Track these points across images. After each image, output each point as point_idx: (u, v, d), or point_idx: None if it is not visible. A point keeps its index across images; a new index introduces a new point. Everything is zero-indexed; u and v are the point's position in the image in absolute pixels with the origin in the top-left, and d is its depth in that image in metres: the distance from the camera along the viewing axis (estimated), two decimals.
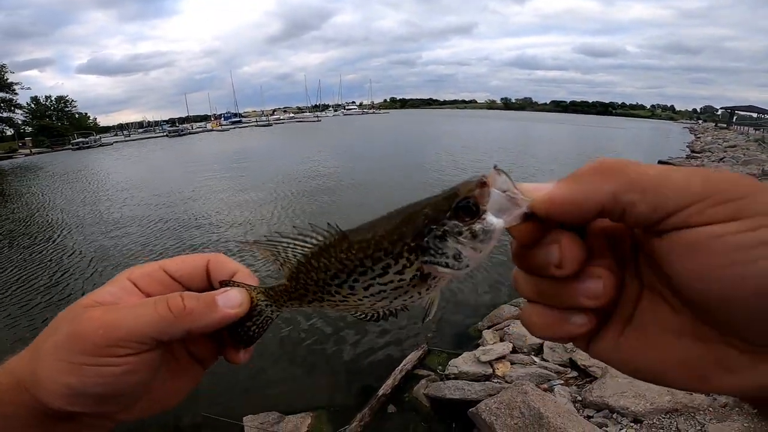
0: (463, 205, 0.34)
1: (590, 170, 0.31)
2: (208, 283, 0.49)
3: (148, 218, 11.57)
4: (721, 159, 18.80)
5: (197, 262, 0.49)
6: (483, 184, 0.33)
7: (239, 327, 0.46)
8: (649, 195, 0.28)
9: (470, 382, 3.77)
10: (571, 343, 0.36)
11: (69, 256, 8.90)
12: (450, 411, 3.66)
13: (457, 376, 3.97)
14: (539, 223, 0.33)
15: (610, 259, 0.34)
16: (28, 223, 12.57)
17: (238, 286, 0.46)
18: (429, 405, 3.78)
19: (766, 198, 0.26)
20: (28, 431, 0.41)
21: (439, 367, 4.27)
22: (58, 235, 10.68)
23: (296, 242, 0.41)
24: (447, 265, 0.35)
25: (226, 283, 0.47)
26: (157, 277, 0.47)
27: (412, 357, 4.36)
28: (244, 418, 3.69)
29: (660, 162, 19.01)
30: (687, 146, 29.78)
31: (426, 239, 0.35)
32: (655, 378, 0.32)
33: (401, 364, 4.26)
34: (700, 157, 20.96)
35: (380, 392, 3.86)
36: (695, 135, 43.52)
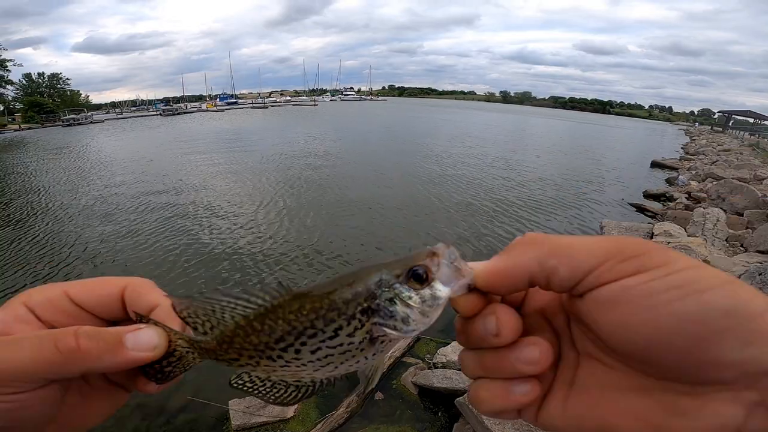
0: (414, 272, 0.35)
1: (518, 243, 0.34)
2: (125, 314, 0.42)
3: (134, 202, 11.33)
4: (713, 162, 18.91)
5: (111, 288, 0.42)
6: (433, 254, 0.35)
7: (152, 366, 0.40)
8: (565, 259, 0.31)
9: (458, 371, 3.78)
10: (518, 417, 0.37)
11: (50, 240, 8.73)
12: (437, 399, 3.68)
13: (445, 365, 3.98)
14: (482, 296, 0.35)
15: (547, 332, 0.37)
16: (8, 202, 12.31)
17: (156, 324, 0.39)
18: (416, 393, 3.80)
19: (660, 253, 0.30)
20: None
21: (428, 356, 4.27)
22: (36, 215, 10.46)
23: (238, 302, 0.37)
24: (395, 328, 0.35)
25: (141, 318, 0.39)
26: (61, 305, 0.40)
27: (401, 344, 4.36)
28: (230, 401, 3.67)
29: (653, 163, 19.21)
30: (681, 148, 29.99)
31: (378, 301, 0.35)
32: None
33: (390, 351, 4.26)
34: (694, 159, 21.08)
35: None
36: (690, 137, 43.82)
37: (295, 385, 0.39)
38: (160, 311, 0.41)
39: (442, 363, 4.03)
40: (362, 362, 0.37)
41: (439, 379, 3.70)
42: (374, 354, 0.37)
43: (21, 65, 65.30)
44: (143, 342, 0.38)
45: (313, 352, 0.36)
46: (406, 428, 3.47)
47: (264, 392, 0.40)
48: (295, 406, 3.67)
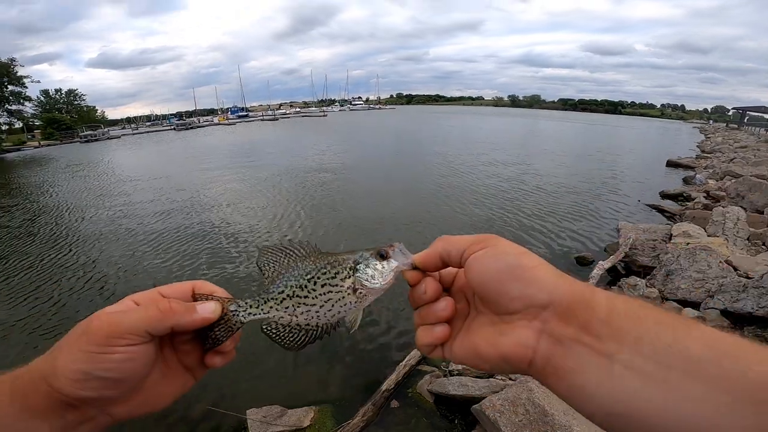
0: (379, 252, 0.61)
1: (436, 240, 0.58)
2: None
3: (156, 218, 11.50)
4: (731, 159, 18.48)
5: (185, 287, 0.64)
6: (391, 245, 0.62)
7: (209, 330, 0.61)
8: (454, 245, 0.55)
9: (474, 379, 3.75)
10: (443, 356, 0.58)
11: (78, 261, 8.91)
12: (453, 406, 3.65)
13: (461, 373, 3.95)
14: (421, 273, 0.59)
15: (463, 300, 0.59)
16: (32, 222, 12.62)
17: (213, 299, 0.62)
18: (432, 400, 3.77)
19: (494, 239, 0.53)
20: (41, 416, 0.51)
21: (443, 363, 4.24)
22: (62, 235, 10.71)
23: (294, 250, 0.64)
24: (366, 280, 0.60)
25: (199, 297, 0.62)
26: (155, 298, 0.59)
27: (416, 353, 4.34)
28: (248, 411, 3.69)
29: (669, 162, 18.85)
30: (697, 146, 29.41)
31: (359, 265, 0.61)
32: (475, 356, 0.53)
33: (405, 360, 4.25)
34: (711, 158, 20.63)
35: (383, 387, 3.86)
36: (705, 135, 42.94)
37: (305, 330, 0.61)
38: (215, 294, 0.64)
39: (457, 370, 4.00)
40: (348, 306, 0.61)
41: (455, 387, 3.67)
42: (355, 302, 0.61)
43: (38, 82, 66.81)
44: (207, 307, 0.60)
45: (322, 286, 0.61)
46: None
47: (283, 337, 0.62)
48: (311, 415, 3.68)
